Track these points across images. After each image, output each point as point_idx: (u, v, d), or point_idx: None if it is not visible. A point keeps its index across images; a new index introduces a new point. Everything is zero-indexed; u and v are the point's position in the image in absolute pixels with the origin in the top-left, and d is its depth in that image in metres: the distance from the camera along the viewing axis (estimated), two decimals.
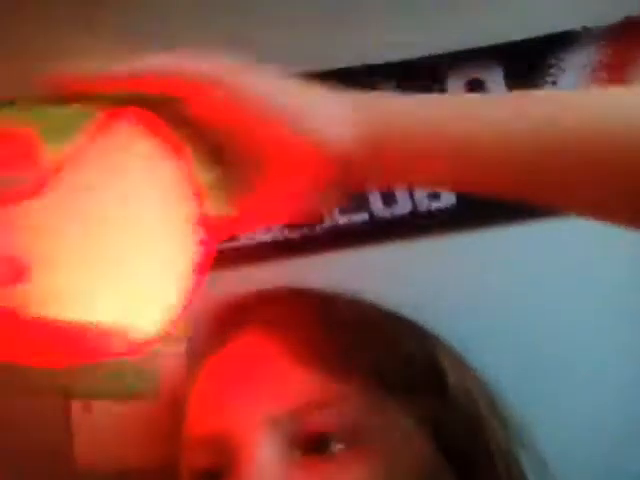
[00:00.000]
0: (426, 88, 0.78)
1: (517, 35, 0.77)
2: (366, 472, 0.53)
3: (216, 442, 0.56)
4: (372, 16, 0.79)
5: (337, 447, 0.53)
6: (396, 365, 0.59)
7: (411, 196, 0.77)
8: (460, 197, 0.77)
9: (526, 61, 0.77)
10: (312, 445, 0.54)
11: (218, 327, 0.62)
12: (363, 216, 0.77)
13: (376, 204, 0.77)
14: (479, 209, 0.77)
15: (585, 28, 0.76)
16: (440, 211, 0.77)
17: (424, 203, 0.77)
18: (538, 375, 0.73)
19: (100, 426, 0.70)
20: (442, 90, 0.78)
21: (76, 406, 0.71)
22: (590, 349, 0.75)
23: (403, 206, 0.77)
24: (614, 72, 0.77)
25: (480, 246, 0.76)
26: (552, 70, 0.77)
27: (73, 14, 0.75)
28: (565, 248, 0.76)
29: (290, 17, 0.78)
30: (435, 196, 0.77)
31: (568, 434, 0.72)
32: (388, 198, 0.77)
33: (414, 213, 0.77)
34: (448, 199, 0.77)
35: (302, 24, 0.78)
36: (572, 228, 0.76)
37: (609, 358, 0.75)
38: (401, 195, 0.77)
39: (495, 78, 0.78)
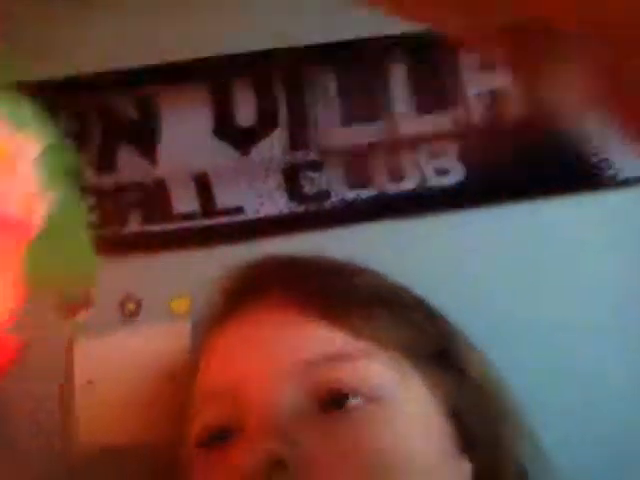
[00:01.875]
0: (438, 62, 0.77)
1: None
2: (382, 430, 0.52)
3: (232, 393, 0.55)
4: None
5: (354, 402, 0.52)
6: (416, 335, 0.58)
7: (419, 172, 0.77)
8: (469, 173, 0.76)
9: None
10: (328, 398, 0.53)
11: (236, 290, 0.62)
12: (371, 191, 0.76)
13: (384, 179, 0.77)
14: (487, 185, 0.76)
15: None
16: (448, 187, 0.76)
17: (432, 179, 0.77)
18: (546, 351, 0.73)
19: (103, 402, 0.70)
20: (454, 64, 0.77)
21: (79, 383, 0.70)
22: (595, 321, 0.74)
23: (411, 182, 0.77)
24: None
25: (488, 222, 0.76)
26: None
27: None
28: (573, 226, 0.76)
29: None
30: (444, 172, 0.77)
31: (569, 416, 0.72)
32: (395, 174, 0.77)
33: (422, 189, 0.76)
34: (456, 175, 0.76)
35: None
36: (580, 206, 0.76)
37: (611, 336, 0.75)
38: (409, 171, 0.77)
39: None
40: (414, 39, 0.76)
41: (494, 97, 0.76)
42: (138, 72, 0.74)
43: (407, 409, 0.54)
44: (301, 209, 0.75)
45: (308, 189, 0.76)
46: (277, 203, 0.75)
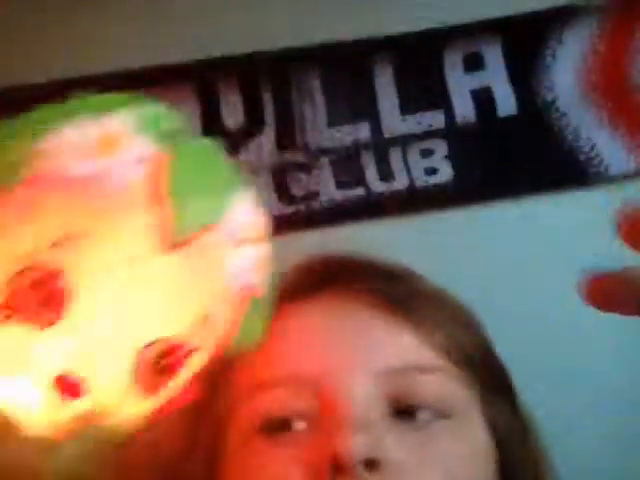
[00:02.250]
0: (423, 63, 0.78)
1: (516, 9, 0.76)
2: (454, 446, 0.52)
3: (312, 382, 0.52)
4: None
5: (423, 414, 0.52)
6: (479, 355, 0.57)
7: (408, 171, 0.77)
8: (457, 172, 0.76)
9: (525, 35, 0.77)
10: (402, 407, 0.52)
11: (312, 274, 0.59)
12: (360, 191, 0.76)
13: (373, 179, 0.77)
14: (476, 185, 0.77)
15: (585, 1, 0.75)
16: (437, 186, 0.76)
17: (421, 178, 0.77)
18: (541, 350, 0.73)
19: None
20: (439, 64, 0.77)
21: None
22: (586, 318, 0.74)
23: (400, 181, 0.77)
24: (612, 46, 0.76)
25: (477, 221, 0.76)
26: (551, 43, 0.76)
27: None
28: (563, 223, 0.76)
29: None
30: (433, 171, 0.77)
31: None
32: (385, 173, 0.77)
33: (411, 188, 0.77)
34: (445, 174, 0.77)
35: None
36: (570, 203, 0.76)
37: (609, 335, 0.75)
38: (398, 170, 0.77)
39: (494, 52, 0.77)
40: (399, 40, 0.77)
41: (480, 96, 0.77)
42: (124, 75, 0.74)
43: (471, 428, 0.54)
44: (290, 210, 0.75)
45: (297, 190, 0.76)
46: (266, 204, 0.75)
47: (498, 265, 0.75)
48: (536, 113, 0.77)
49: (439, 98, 0.77)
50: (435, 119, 0.77)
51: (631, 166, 0.76)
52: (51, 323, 0.39)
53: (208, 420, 0.57)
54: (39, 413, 0.40)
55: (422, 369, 0.53)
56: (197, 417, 0.57)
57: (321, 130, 0.76)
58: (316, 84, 0.77)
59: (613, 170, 0.76)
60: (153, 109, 0.42)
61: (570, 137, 0.76)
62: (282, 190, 0.76)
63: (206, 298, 0.43)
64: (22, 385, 0.39)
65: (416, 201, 0.76)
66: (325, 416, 0.51)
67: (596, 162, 0.76)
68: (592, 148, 0.76)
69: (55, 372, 0.39)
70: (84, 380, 0.40)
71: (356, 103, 0.77)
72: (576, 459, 0.66)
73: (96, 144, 0.39)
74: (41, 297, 0.38)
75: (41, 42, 0.73)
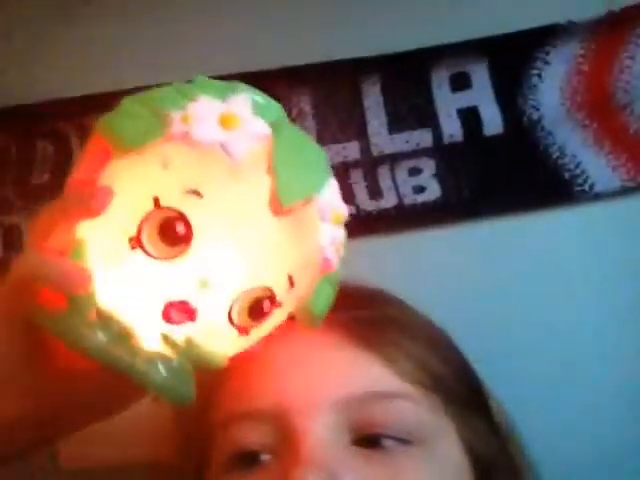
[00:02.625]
0: (411, 82, 0.78)
1: (503, 29, 0.77)
2: (416, 473, 0.52)
3: (273, 417, 0.53)
4: (357, 10, 0.80)
5: (388, 442, 0.52)
6: (451, 375, 0.58)
7: (397, 190, 0.77)
8: (445, 190, 0.77)
9: (511, 54, 0.78)
10: (365, 435, 0.52)
11: None
12: (349, 209, 0.76)
13: (362, 197, 0.77)
14: (463, 203, 0.77)
15: (570, 22, 0.76)
16: (425, 204, 0.77)
17: (409, 196, 0.78)
18: (523, 365, 0.74)
19: None
20: (427, 84, 0.78)
21: None
22: (574, 331, 0.75)
23: (389, 199, 0.78)
24: (597, 65, 0.77)
25: (465, 238, 0.77)
26: (537, 63, 0.77)
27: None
28: (550, 240, 0.77)
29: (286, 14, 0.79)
30: (421, 189, 0.78)
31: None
32: (374, 191, 0.78)
33: (400, 206, 0.77)
34: (433, 192, 0.77)
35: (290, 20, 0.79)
36: (556, 220, 0.77)
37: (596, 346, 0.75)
38: (387, 189, 0.78)
39: (480, 72, 0.78)
40: (388, 60, 0.78)
41: (466, 115, 0.78)
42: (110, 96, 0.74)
43: (439, 452, 0.54)
44: None
45: None
46: None
47: (485, 282, 0.75)
48: (522, 132, 0.78)
49: (427, 117, 0.78)
50: (423, 138, 0.78)
51: (616, 184, 0.77)
52: (171, 257, 0.46)
53: (199, 431, 0.58)
54: (151, 330, 0.47)
55: (384, 396, 0.54)
56: (193, 421, 0.59)
57: None
58: (306, 104, 0.78)
59: (598, 188, 0.77)
60: (262, 98, 0.49)
61: (555, 155, 0.77)
62: None
63: (296, 262, 0.49)
64: (141, 303, 0.46)
65: (405, 219, 0.77)
66: (285, 450, 0.52)
67: (581, 180, 0.77)
68: (577, 166, 0.77)
69: (170, 298, 0.46)
70: (193, 310, 0.47)
71: (345, 122, 0.78)
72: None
73: (221, 119, 0.46)
74: (166, 235, 0.45)
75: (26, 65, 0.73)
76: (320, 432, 0.52)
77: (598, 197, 0.77)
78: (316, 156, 0.52)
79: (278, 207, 0.47)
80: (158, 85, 0.49)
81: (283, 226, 0.48)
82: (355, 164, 0.78)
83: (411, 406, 0.54)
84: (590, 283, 0.76)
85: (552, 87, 0.78)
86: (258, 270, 0.48)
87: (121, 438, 0.70)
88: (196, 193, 0.46)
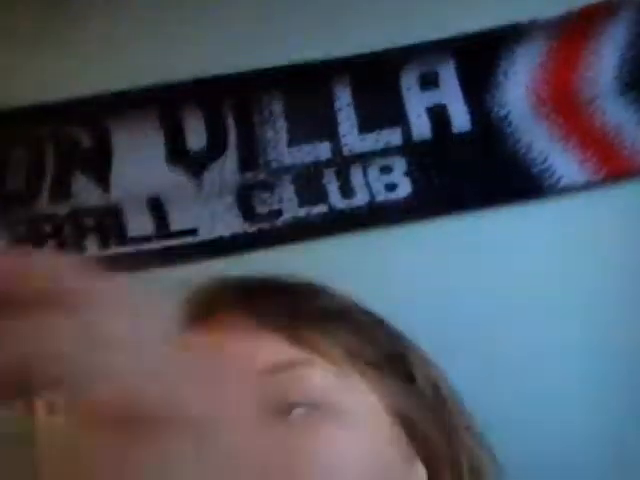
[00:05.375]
0: (380, 82, 0.80)
1: (469, 28, 0.78)
2: (325, 440, 0.53)
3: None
4: (326, 11, 0.81)
5: (299, 411, 0.53)
6: (362, 343, 0.59)
7: (368, 188, 0.79)
8: (416, 188, 0.79)
9: (478, 54, 0.79)
10: (276, 407, 0.53)
11: (191, 311, 0.60)
12: (322, 208, 0.78)
13: (334, 196, 0.79)
14: (434, 199, 0.79)
15: (532, 21, 0.78)
16: (397, 201, 0.79)
17: (381, 194, 0.79)
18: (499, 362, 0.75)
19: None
20: (396, 84, 0.80)
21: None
22: (544, 329, 0.77)
23: (361, 197, 0.79)
24: (562, 62, 0.79)
25: (436, 235, 0.78)
26: (502, 62, 0.79)
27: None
28: (519, 235, 0.78)
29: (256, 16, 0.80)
30: (392, 187, 0.79)
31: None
32: (346, 190, 0.79)
33: (372, 204, 0.79)
34: (404, 190, 0.79)
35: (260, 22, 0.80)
36: (525, 215, 0.79)
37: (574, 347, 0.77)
38: (359, 187, 0.79)
39: (448, 71, 0.80)
40: (357, 61, 0.79)
41: (435, 113, 0.79)
42: (89, 101, 0.76)
43: (353, 415, 0.55)
44: (254, 228, 0.77)
45: (260, 209, 0.78)
46: (231, 223, 0.77)
47: (456, 278, 0.77)
48: (490, 129, 0.79)
49: (396, 116, 0.79)
50: (393, 136, 0.79)
51: (583, 178, 0.78)
52: None
53: None
54: None
55: (287, 366, 0.55)
56: None
57: (283, 150, 0.78)
58: (278, 106, 0.79)
59: (565, 182, 0.78)
60: None
61: (523, 151, 0.79)
62: (246, 209, 0.78)
63: None
64: None
65: (377, 217, 0.79)
66: None
67: (548, 174, 0.78)
68: (544, 161, 0.79)
69: None
70: None
71: (317, 123, 0.79)
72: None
73: None
74: None
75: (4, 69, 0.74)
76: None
77: (565, 191, 0.78)
78: None
79: None
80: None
81: None
82: (327, 164, 0.79)
83: (312, 373, 0.55)
84: (558, 275, 0.78)
85: (518, 84, 0.79)
86: None
87: None
88: None
